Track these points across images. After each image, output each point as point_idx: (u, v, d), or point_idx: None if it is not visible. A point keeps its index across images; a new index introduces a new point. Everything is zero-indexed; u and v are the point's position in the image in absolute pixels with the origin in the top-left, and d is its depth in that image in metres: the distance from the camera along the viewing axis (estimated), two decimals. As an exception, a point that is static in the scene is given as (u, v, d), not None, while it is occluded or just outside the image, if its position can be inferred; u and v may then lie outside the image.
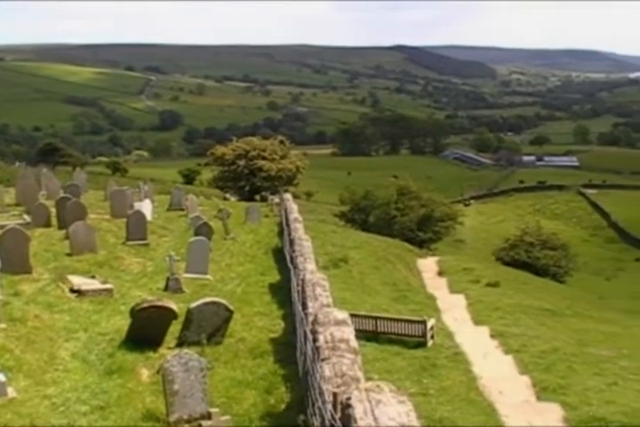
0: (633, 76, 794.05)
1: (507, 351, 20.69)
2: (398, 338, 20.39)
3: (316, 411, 8.09)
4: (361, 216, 64.02)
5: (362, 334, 19.60)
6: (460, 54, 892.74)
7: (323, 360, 8.41)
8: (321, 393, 7.71)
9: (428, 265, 41.97)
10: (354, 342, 8.91)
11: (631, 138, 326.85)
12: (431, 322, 20.69)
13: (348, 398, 5.72)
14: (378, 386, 5.81)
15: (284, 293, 21.26)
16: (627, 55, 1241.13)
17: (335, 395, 6.86)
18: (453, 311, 27.05)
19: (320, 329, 9.43)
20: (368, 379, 7.84)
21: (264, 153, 65.52)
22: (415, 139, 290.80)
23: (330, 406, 6.90)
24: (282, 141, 70.21)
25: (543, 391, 16.69)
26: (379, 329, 20.53)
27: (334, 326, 9.48)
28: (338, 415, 6.28)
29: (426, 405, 14.78)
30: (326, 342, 8.92)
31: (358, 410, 5.44)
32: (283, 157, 66.79)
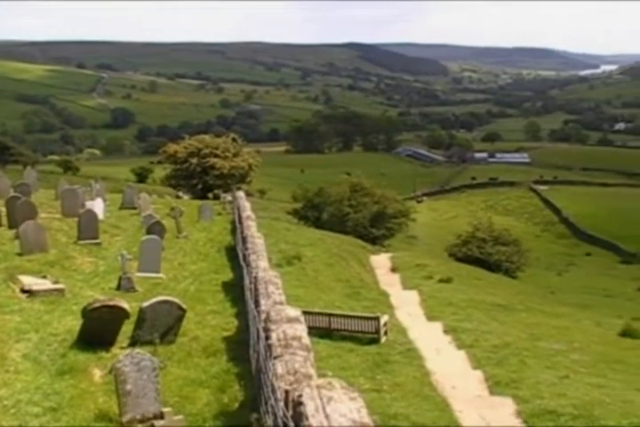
0: (583, 73, 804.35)
1: (459, 347, 20.82)
2: (352, 335, 20.43)
3: (269, 409, 8.08)
4: (314, 213, 64.03)
5: (315, 331, 19.66)
6: (412, 52, 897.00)
7: (275, 358, 8.40)
8: (273, 391, 7.70)
9: (381, 262, 42.10)
10: (306, 340, 8.91)
11: (581, 134, 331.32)
12: (384, 318, 20.76)
13: (300, 396, 5.71)
14: (329, 383, 5.80)
15: (238, 291, 21.23)
16: (577, 53, 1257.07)
17: (287, 392, 6.86)
18: (407, 307, 27.16)
19: (272, 327, 9.41)
20: (322, 376, 7.83)
21: (216, 151, 65.26)
22: (368, 136, 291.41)
23: (282, 404, 6.89)
24: (234, 139, 69.98)
25: (496, 386, 16.82)
26: (332, 326, 20.55)
27: (287, 323, 9.47)
28: (290, 413, 6.27)
29: (380, 401, 14.83)
30: (279, 339, 8.91)
31: (310, 407, 5.42)
32: (235, 155, 66.59)
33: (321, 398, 5.49)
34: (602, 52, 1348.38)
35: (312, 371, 8.06)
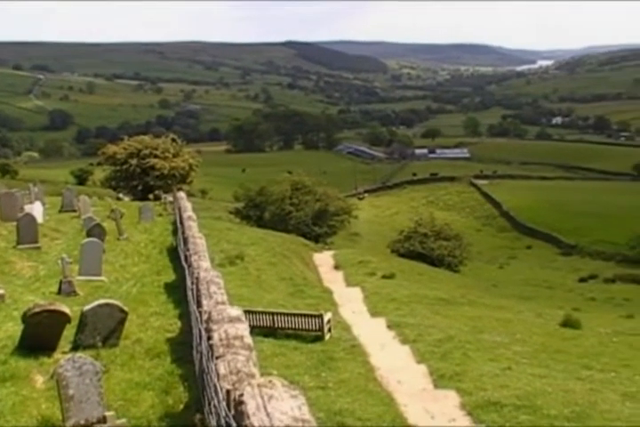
0: (520, 69, 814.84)
1: (403, 342, 20.92)
2: (296, 333, 20.42)
3: (212, 409, 8.07)
4: (256, 212, 63.99)
5: (259, 331, 19.65)
6: (351, 49, 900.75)
7: (217, 358, 8.39)
8: (216, 391, 7.70)
9: (324, 259, 42.21)
10: (248, 339, 8.91)
11: (520, 129, 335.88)
12: (328, 316, 20.79)
13: (241, 395, 5.72)
14: (270, 381, 5.82)
15: (180, 292, 21.12)
16: (514, 49, 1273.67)
17: (228, 392, 6.86)
18: (350, 304, 27.25)
19: (214, 327, 9.39)
20: (267, 374, 7.85)
21: (156, 151, 64.77)
22: (309, 134, 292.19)
23: (224, 404, 6.89)
24: (174, 139, 69.51)
25: (440, 379, 16.94)
26: (276, 325, 20.52)
27: (228, 323, 9.46)
28: (231, 413, 6.27)
29: (325, 398, 14.86)
30: (220, 339, 8.89)
31: (251, 406, 5.44)
32: (175, 155, 66.15)
33: (262, 397, 5.51)
34: (538, 47, 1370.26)
35: (254, 370, 8.07)
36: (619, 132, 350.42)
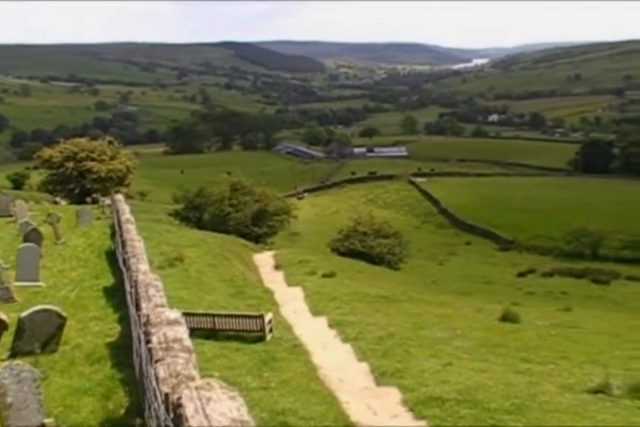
0: (456, 67, 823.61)
1: (345, 340, 20.98)
2: (237, 334, 20.36)
3: (152, 413, 8.02)
4: (195, 214, 63.65)
5: (201, 333, 19.57)
6: (287, 49, 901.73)
7: (157, 361, 8.33)
8: (155, 395, 7.65)
9: (264, 260, 42.15)
10: (187, 341, 8.87)
11: (456, 127, 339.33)
12: (269, 316, 20.78)
13: (179, 398, 5.71)
14: (208, 384, 5.82)
15: (120, 295, 20.93)
16: (450, 48, 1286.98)
17: (167, 395, 6.83)
18: (291, 304, 27.25)
19: (153, 330, 9.33)
20: (208, 377, 7.81)
21: (93, 154, 64.18)
22: (247, 134, 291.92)
23: (163, 408, 6.86)
24: (110, 142, 68.88)
25: (382, 376, 17.02)
26: (217, 326, 20.43)
27: (167, 326, 9.40)
28: (171, 416, 6.25)
29: (268, 398, 14.85)
30: (159, 342, 8.84)
31: (189, 409, 5.43)
32: (112, 158, 65.60)
33: (200, 399, 5.50)
34: (473, 46, 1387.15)
35: (194, 373, 8.04)
36: (553, 128, 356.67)
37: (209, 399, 5.50)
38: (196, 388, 5.75)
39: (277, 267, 38.94)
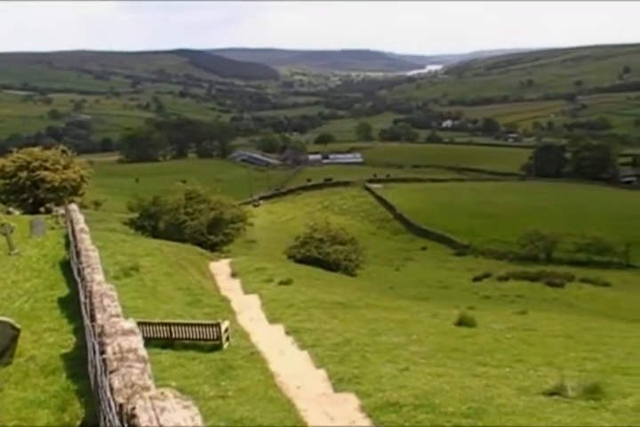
0: (410, 73, 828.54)
1: (302, 347, 20.99)
2: (194, 343, 20.28)
3: (107, 424, 7.96)
4: (151, 223, 63.30)
5: (157, 342, 19.45)
6: (242, 56, 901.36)
7: (111, 372, 8.25)
8: (110, 406, 7.60)
9: (220, 268, 42.05)
10: (142, 351, 8.80)
11: (411, 133, 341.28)
12: (225, 324, 20.71)
13: (133, 409, 5.66)
14: (162, 393, 5.78)
15: (74, 306, 20.71)
16: (403, 54, 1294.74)
17: (121, 406, 6.78)
18: (248, 312, 27.22)
19: (107, 340, 9.25)
20: (165, 386, 7.77)
21: (46, 164, 63.55)
22: (202, 142, 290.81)
23: (117, 419, 6.81)
24: (64, 151, 68.24)
25: (339, 383, 17.03)
26: (174, 335, 20.32)
27: (122, 336, 9.32)
28: (125, 427, 6.21)
29: (225, 407, 14.79)
30: (114, 353, 8.76)
31: (143, 419, 5.39)
32: (66, 167, 64.97)
33: (154, 409, 5.46)
34: (427, 52, 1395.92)
35: (149, 383, 7.98)
36: (507, 133, 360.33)
37: (163, 409, 5.46)
38: (150, 398, 5.71)
39: (234, 275, 38.87)
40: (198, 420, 5.34)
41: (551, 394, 15.99)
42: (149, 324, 20.01)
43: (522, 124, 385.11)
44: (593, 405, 15.22)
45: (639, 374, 19.39)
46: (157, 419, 5.32)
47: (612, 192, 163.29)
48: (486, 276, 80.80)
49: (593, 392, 15.82)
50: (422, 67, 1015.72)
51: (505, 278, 77.95)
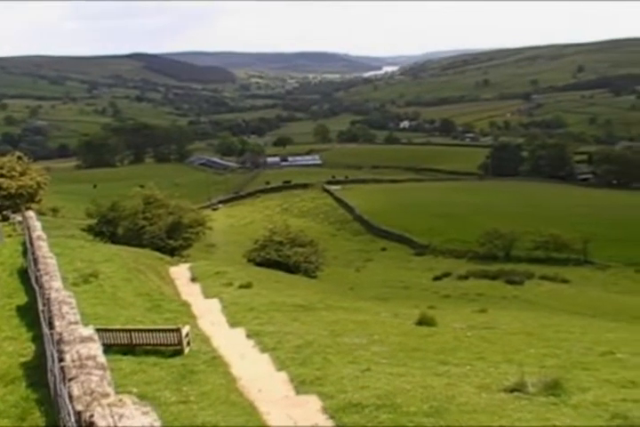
0: (367, 75, 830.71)
1: (263, 350, 20.99)
2: (155, 348, 20.19)
3: (67, 432, 7.91)
4: (109, 229, 62.83)
5: (118, 348, 19.34)
6: (199, 60, 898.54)
7: (70, 380, 8.21)
8: (69, 414, 7.56)
9: (180, 272, 41.91)
10: (101, 358, 8.76)
11: (369, 134, 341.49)
12: (186, 329, 20.65)
13: (91, 416, 5.65)
14: (121, 400, 5.77)
15: (33, 314, 20.54)
16: (359, 56, 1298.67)
17: (80, 414, 6.75)
18: (209, 316, 27.16)
19: (66, 348, 9.19)
20: (127, 393, 7.74)
21: (2, 170, 62.98)
22: (159, 147, 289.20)
23: (76, 426, 6.78)
24: (20, 157, 67.64)
25: (301, 385, 17.06)
26: (134, 341, 20.22)
27: (80, 343, 9.27)
28: (84, 434, 6.18)
29: (187, 412, 14.75)
30: (73, 360, 8.71)
31: (101, 426, 5.38)
32: (22, 174, 64.40)
33: (112, 416, 5.45)
34: (382, 54, 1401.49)
35: (109, 389, 7.94)
36: (464, 133, 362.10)
37: (122, 416, 5.46)
38: (109, 405, 5.70)
39: (194, 279, 38.77)
40: (157, 426, 5.34)
41: (512, 391, 16.14)
42: (109, 330, 19.91)
43: (478, 123, 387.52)
44: (553, 401, 15.38)
45: (598, 369, 19.63)
46: (116, 426, 5.31)
47: (568, 190, 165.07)
48: (446, 275, 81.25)
49: (553, 388, 16.00)
50: (378, 68, 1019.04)
51: (465, 277, 78.43)
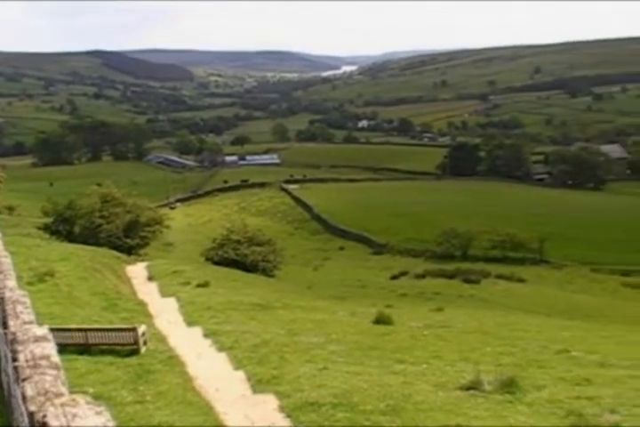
0: (325, 74, 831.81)
1: (220, 349, 20.96)
2: (111, 348, 20.07)
3: (20, 433, 7.84)
4: (66, 227, 62.23)
5: (74, 348, 19.19)
6: (158, 58, 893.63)
7: (24, 380, 8.14)
8: (23, 414, 7.49)
9: (137, 271, 41.69)
10: (56, 358, 8.69)
11: (327, 133, 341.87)
12: (142, 328, 20.53)
13: (44, 416, 5.61)
14: (74, 400, 5.73)
15: (-13, 314, 20.29)
16: (318, 55, 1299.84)
17: (32, 414, 6.70)
18: (166, 315, 27.06)
19: (19, 348, 9.10)
20: (82, 393, 7.67)
21: (-45, 168, 62.23)
22: (117, 145, 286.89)
23: (28, 427, 6.73)
24: (-27, 156, 66.94)
25: (258, 384, 17.06)
26: (90, 341, 20.07)
27: (34, 343, 9.18)
28: (37, 435, 6.13)
29: (143, 412, 14.69)
30: (26, 360, 8.62)
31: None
32: (-23, 172, 63.69)
33: (65, 416, 5.42)
34: (341, 53, 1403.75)
35: (63, 389, 7.88)
36: (422, 133, 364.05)
37: (74, 416, 5.42)
38: (62, 405, 5.66)
39: (151, 278, 38.61)
40: (111, 426, 5.31)
41: (468, 389, 16.28)
42: (65, 330, 19.74)
43: (436, 123, 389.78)
44: (509, 398, 15.55)
45: (553, 367, 19.87)
46: (69, 426, 5.27)
47: (525, 190, 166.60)
48: (403, 274, 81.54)
49: (509, 386, 16.17)
50: (337, 68, 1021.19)
51: (422, 276, 78.76)
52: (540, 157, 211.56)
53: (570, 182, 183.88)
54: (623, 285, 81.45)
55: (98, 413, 5.49)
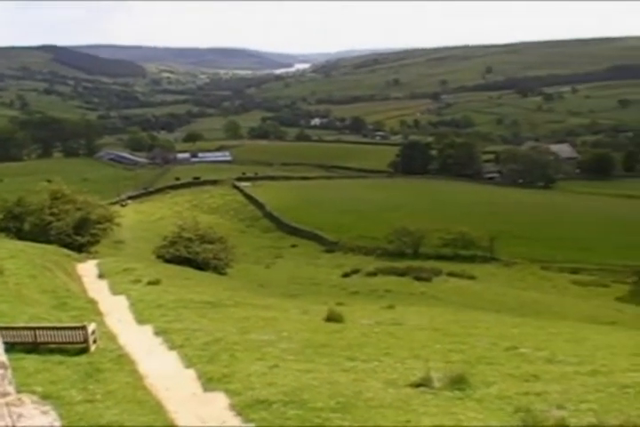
0: (278, 72, 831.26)
1: (171, 347, 20.88)
2: (60, 347, 19.89)
3: (-34, 433, 7.73)
4: (15, 224, 61.59)
5: (22, 347, 18.99)
6: (108, 53, 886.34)
7: (-31, 379, 8.03)
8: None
9: (87, 269, 41.37)
10: (2, 357, 8.58)
11: (280, 131, 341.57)
12: (92, 327, 20.38)
13: (-11, 416, 5.54)
14: (19, 399, 5.67)
15: None
16: (271, 53, 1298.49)
17: (-23, 414, 6.62)
18: (116, 313, 26.88)
19: (-35, 348, 8.98)
20: (30, 392, 7.59)
21: None
22: (68, 141, 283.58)
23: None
24: None
25: (209, 382, 17.04)
26: (39, 340, 19.88)
27: (-21, 342, 9.07)
28: (-18, 435, 6.05)
29: (93, 411, 14.60)
30: (-28, 360, 8.52)
31: None
32: None
33: (11, 416, 5.36)
34: (294, 51, 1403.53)
35: (10, 389, 7.79)
36: (374, 131, 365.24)
37: (20, 415, 5.37)
38: (7, 404, 5.60)
39: (101, 276, 38.32)
40: (57, 425, 5.27)
41: (418, 386, 16.39)
42: (13, 328, 19.55)
43: (389, 122, 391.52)
44: (458, 395, 15.68)
45: (502, 364, 20.04)
46: (14, 426, 5.22)
47: (475, 188, 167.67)
48: (355, 272, 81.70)
49: (458, 383, 16.31)
50: (290, 65, 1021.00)
51: (373, 274, 78.95)
52: (491, 156, 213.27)
53: (520, 181, 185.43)
54: (572, 282, 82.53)
55: (44, 412, 5.44)
